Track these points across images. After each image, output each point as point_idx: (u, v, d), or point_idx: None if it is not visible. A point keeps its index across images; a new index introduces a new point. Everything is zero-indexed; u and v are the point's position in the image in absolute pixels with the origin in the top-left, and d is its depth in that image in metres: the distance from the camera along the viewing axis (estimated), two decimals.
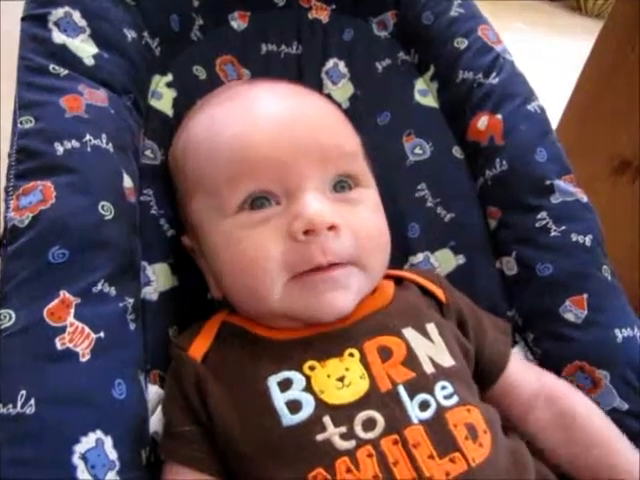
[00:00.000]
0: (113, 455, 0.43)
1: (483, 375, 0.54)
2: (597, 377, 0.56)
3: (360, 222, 0.51)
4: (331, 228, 0.47)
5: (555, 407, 0.54)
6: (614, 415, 0.55)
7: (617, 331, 0.57)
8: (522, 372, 0.56)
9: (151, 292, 0.56)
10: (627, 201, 1.09)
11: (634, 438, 0.54)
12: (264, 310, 0.50)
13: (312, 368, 0.46)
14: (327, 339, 0.48)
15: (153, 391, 0.51)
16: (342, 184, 0.52)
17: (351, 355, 0.47)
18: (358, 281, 0.50)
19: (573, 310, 0.59)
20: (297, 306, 0.48)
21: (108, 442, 0.43)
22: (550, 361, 0.59)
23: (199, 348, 0.50)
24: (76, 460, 0.40)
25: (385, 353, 0.47)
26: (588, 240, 0.61)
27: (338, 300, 0.48)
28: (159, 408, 0.50)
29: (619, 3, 1.08)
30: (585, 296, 0.59)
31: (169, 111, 0.65)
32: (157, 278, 0.57)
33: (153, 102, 0.64)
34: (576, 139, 1.09)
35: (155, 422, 0.49)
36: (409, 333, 0.49)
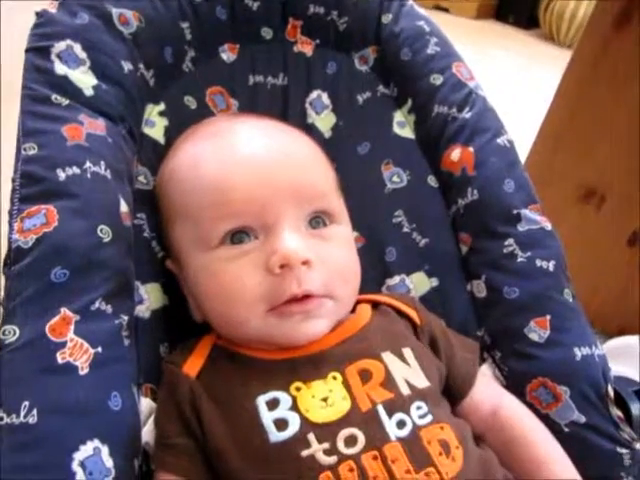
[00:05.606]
0: (109, 463, 0.45)
1: (452, 392, 0.57)
2: (558, 392, 0.60)
3: (331, 257, 0.55)
4: (305, 263, 0.51)
5: (506, 432, 0.57)
6: (572, 428, 0.59)
7: (576, 350, 0.61)
8: (484, 392, 0.60)
9: (144, 310, 0.58)
10: (592, 228, 1.15)
11: (591, 449, 0.58)
12: (241, 336, 0.54)
13: (298, 389, 0.49)
14: (312, 362, 0.52)
15: (145, 404, 0.53)
16: (317, 220, 0.56)
17: (334, 378, 0.50)
18: (330, 310, 0.54)
19: (537, 330, 0.63)
20: (273, 334, 0.52)
21: (105, 451, 0.45)
22: (516, 377, 0.63)
23: (194, 366, 0.53)
24: (75, 467, 0.43)
25: (365, 375, 0.51)
26: (551, 266, 0.65)
27: (310, 328, 0.53)
28: (150, 420, 0.53)
29: (585, 37, 1.14)
30: (548, 317, 0.63)
31: (161, 139, 0.68)
32: (149, 297, 0.60)
33: (147, 130, 0.68)
34: (545, 168, 1.14)
35: (146, 433, 0.52)
36: (387, 357, 0.53)
